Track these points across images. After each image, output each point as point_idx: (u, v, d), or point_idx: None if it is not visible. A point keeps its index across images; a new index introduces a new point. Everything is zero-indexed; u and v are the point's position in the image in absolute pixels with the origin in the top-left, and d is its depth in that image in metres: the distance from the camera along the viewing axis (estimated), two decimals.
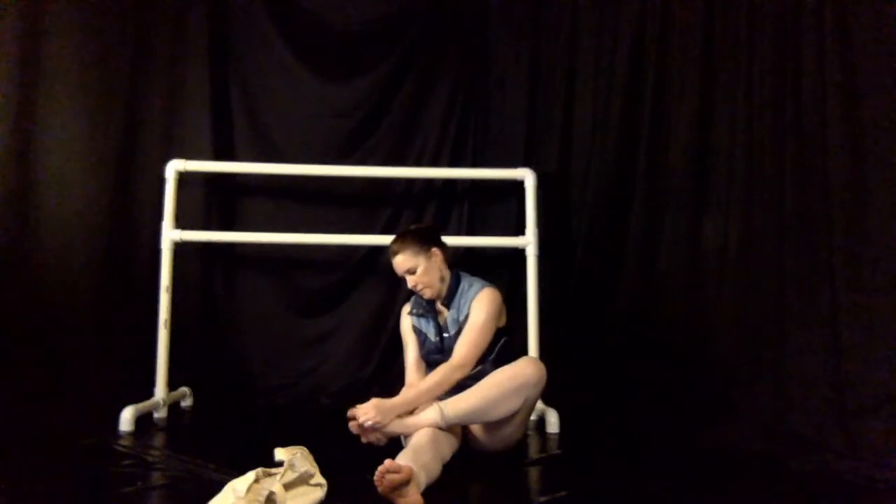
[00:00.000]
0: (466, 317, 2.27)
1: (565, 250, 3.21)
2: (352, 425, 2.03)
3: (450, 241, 3.04)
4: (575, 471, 2.22)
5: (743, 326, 2.73)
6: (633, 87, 3.09)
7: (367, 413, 2.01)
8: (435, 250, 2.32)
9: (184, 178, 3.02)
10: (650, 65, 3.04)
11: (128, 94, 3.20)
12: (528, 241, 3.01)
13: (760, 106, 2.73)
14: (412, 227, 2.46)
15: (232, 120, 3.35)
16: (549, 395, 2.85)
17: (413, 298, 2.42)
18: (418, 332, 2.39)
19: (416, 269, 2.27)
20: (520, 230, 3.06)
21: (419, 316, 2.39)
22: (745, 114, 2.77)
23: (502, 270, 3.18)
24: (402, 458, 1.79)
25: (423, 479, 1.76)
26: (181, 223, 2.98)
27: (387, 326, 3.25)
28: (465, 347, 2.20)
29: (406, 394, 2.15)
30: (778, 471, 2.16)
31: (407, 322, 2.43)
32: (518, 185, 3.12)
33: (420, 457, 1.84)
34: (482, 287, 2.31)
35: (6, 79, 2.98)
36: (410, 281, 2.29)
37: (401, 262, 2.28)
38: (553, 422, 2.66)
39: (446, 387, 2.15)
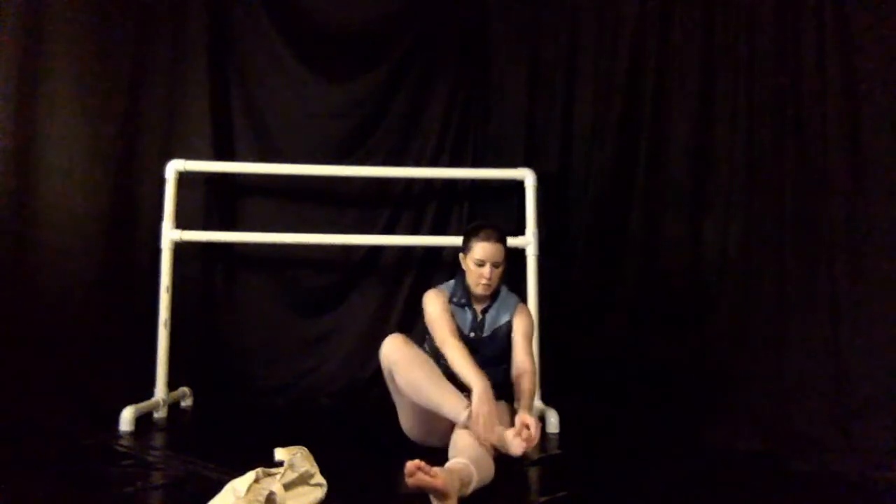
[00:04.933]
0: (505, 325, 2.34)
1: (565, 250, 3.21)
2: (420, 478, 1.64)
3: (450, 241, 3.07)
4: (575, 471, 2.22)
5: (743, 326, 2.73)
6: (633, 87, 3.09)
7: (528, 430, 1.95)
8: (506, 264, 2.40)
9: (184, 178, 3.02)
10: (650, 65, 3.04)
11: (128, 94, 3.20)
12: (528, 241, 3.01)
13: (760, 106, 2.73)
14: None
15: (232, 120, 3.34)
16: (549, 395, 2.87)
17: (452, 289, 2.39)
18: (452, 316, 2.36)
19: (500, 266, 2.33)
20: (520, 230, 3.06)
21: (458, 305, 2.36)
22: (745, 114, 2.78)
23: None
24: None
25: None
26: (181, 223, 2.98)
27: (387, 326, 3.25)
28: (530, 355, 2.31)
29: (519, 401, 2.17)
30: (778, 471, 2.16)
31: (444, 301, 2.35)
32: (518, 185, 3.12)
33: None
34: (518, 301, 2.42)
35: (6, 79, 2.98)
36: (487, 272, 2.29)
37: (498, 252, 2.32)
38: (553, 422, 2.66)
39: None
